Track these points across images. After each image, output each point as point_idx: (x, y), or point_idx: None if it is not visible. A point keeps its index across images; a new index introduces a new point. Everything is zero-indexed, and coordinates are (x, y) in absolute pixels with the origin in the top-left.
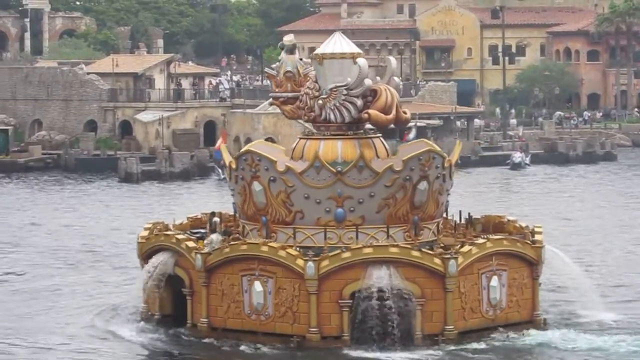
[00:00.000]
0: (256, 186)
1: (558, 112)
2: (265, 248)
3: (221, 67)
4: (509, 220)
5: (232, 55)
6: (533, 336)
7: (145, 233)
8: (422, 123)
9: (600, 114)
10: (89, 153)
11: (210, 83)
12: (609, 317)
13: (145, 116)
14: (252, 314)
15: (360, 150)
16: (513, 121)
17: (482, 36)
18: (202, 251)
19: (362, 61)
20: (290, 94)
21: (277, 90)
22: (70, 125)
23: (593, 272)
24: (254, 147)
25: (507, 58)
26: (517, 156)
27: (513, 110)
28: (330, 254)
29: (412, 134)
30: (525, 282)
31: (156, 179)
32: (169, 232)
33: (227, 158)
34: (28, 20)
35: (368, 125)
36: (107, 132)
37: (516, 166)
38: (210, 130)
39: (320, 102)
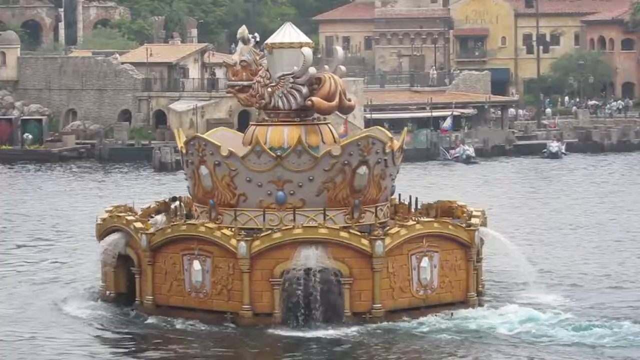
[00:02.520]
0: (203, 170)
1: (593, 101)
2: (202, 228)
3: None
4: (458, 206)
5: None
6: (461, 315)
7: (106, 215)
8: (456, 112)
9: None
10: (123, 143)
11: None
12: (541, 300)
13: (179, 106)
14: (192, 292)
15: (298, 136)
16: (548, 110)
17: (516, 25)
18: (148, 232)
19: (306, 50)
20: (245, 83)
21: (233, 78)
22: (105, 115)
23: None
24: (212, 134)
25: (541, 47)
26: (554, 145)
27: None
28: (262, 234)
29: (447, 123)
30: (459, 264)
31: None
32: (120, 214)
33: (179, 143)
34: (62, 10)
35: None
36: (141, 122)
37: (553, 155)
38: (245, 120)
39: (269, 89)
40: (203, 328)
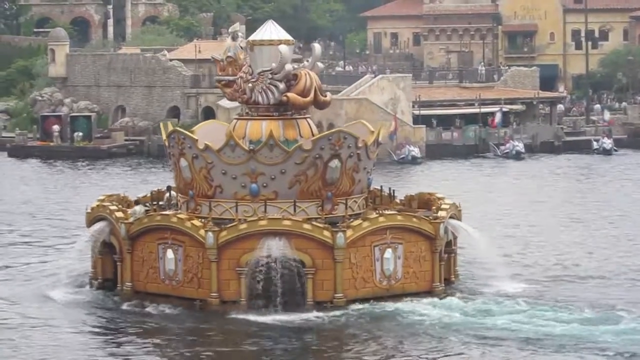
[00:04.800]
0: (182, 162)
1: None
2: (174, 219)
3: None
4: (437, 198)
5: (321, 40)
6: (415, 304)
7: (95, 205)
8: (505, 108)
9: None
10: None
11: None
12: (506, 290)
13: (228, 102)
14: (166, 279)
15: (270, 130)
16: (597, 106)
17: (565, 21)
18: (127, 221)
19: (283, 48)
20: (231, 77)
21: (220, 73)
22: (153, 111)
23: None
24: (204, 126)
25: (590, 43)
26: (608, 142)
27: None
28: (229, 225)
29: (497, 119)
30: (424, 255)
31: None
32: (105, 204)
33: (164, 136)
34: (111, 7)
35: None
36: (189, 118)
37: (606, 152)
38: None
39: (250, 85)
40: (174, 314)
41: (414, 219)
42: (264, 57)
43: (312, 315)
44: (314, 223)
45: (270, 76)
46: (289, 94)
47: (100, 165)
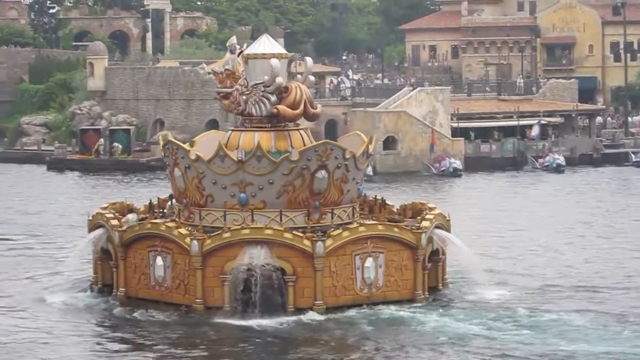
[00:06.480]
0: (176, 172)
1: None
2: (163, 227)
3: (342, 65)
4: (428, 207)
5: (352, 55)
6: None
7: (96, 212)
8: (543, 120)
9: None
10: None
11: (332, 82)
12: (486, 297)
13: None
14: (156, 286)
15: (258, 142)
16: (637, 118)
17: (604, 33)
18: (120, 229)
19: (274, 61)
20: (229, 90)
21: (219, 85)
22: (192, 124)
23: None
24: (204, 136)
25: (628, 55)
26: None
27: None
28: (213, 234)
29: (535, 131)
30: (406, 264)
31: None
32: (103, 212)
33: (161, 147)
34: (149, 20)
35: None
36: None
37: None
38: (332, 129)
39: (244, 97)
40: (161, 319)
41: (395, 229)
42: (257, 70)
43: (292, 320)
44: (295, 232)
45: (262, 89)
46: (278, 106)
47: (138, 177)
